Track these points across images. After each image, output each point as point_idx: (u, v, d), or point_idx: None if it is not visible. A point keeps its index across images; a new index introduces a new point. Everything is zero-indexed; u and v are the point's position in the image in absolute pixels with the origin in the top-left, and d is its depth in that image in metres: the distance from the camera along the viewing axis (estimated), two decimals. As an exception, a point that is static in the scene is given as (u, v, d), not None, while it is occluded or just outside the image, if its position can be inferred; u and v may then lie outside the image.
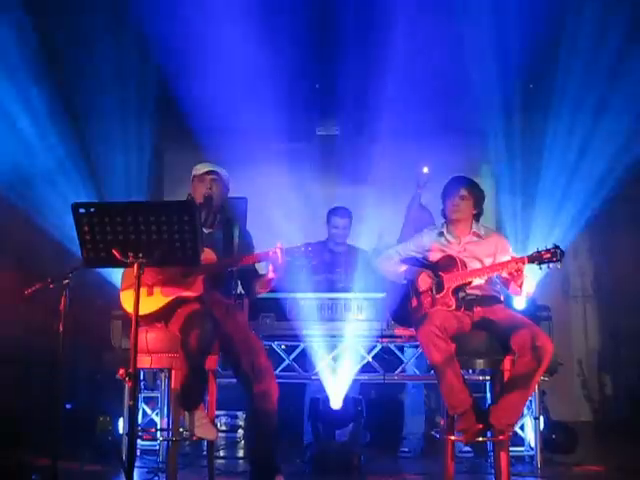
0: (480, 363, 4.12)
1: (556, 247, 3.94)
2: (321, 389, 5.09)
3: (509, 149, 7.08)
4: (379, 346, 5.23)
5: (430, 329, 3.91)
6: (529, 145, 7.10)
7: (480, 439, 4.01)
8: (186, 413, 3.90)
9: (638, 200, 7.09)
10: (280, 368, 5.19)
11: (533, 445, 5.11)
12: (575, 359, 7.59)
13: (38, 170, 6.09)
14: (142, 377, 5.48)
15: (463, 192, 4.39)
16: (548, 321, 5.38)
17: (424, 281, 4.27)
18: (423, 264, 4.40)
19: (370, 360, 5.23)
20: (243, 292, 4.44)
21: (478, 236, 4.42)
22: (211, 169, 4.33)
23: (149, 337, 3.96)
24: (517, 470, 4.86)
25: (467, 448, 5.37)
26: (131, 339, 3.25)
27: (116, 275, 4.61)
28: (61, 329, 3.74)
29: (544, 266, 3.96)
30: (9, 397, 5.47)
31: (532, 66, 6.65)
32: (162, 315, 4.01)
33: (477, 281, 4.25)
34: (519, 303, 5.15)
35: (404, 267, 4.43)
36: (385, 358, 5.35)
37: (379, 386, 5.72)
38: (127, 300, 3.95)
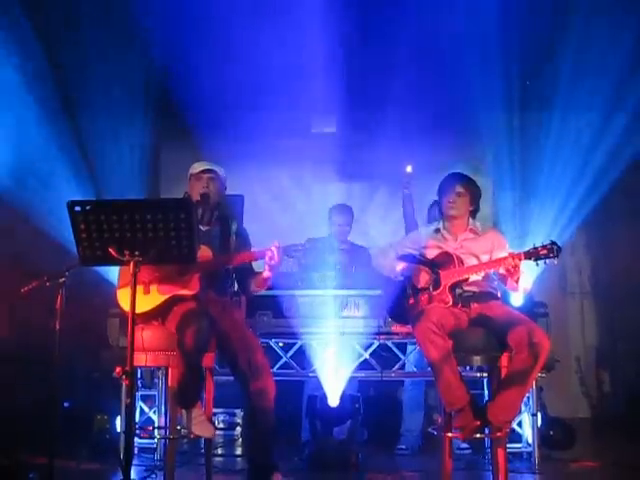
0: (477, 360, 4.11)
1: (553, 243, 3.94)
2: (319, 387, 5.08)
3: (506, 146, 7.08)
4: (376, 343, 5.22)
5: (427, 326, 3.90)
6: (526, 141, 7.11)
7: (478, 436, 4.02)
8: (183, 411, 3.91)
9: (635, 196, 7.09)
10: (277, 366, 5.19)
11: (531, 441, 5.11)
12: (573, 355, 7.59)
13: (34, 168, 6.08)
14: (139, 375, 5.48)
15: (459, 189, 4.39)
16: (545, 317, 5.39)
17: (421, 278, 4.26)
18: (420, 261, 4.39)
19: (367, 357, 5.22)
20: (239, 290, 4.44)
21: (475, 233, 4.42)
22: (208, 167, 4.33)
23: (145, 335, 3.96)
24: (515, 466, 4.86)
25: (465, 445, 5.37)
26: (128, 337, 3.25)
27: (113, 273, 4.61)
28: (57, 327, 3.74)
29: (541, 262, 3.96)
30: (6, 396, 5.46)
31: (529, 63, 6.65)
32: (159, 313, 4.01)
33: (474, 278, 4.24)
34: (516, 299, 5.14)
35: (400, 264, 4.42)
36: (383, 355, 5.35)
37: (377, 383, 5.73)
38: (124, 298, 3.94)
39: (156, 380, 5.39)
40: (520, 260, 3.96)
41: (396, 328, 4.96)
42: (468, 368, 4.98)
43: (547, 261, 3.95)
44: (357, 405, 5.06)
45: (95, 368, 5.85)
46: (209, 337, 3.86)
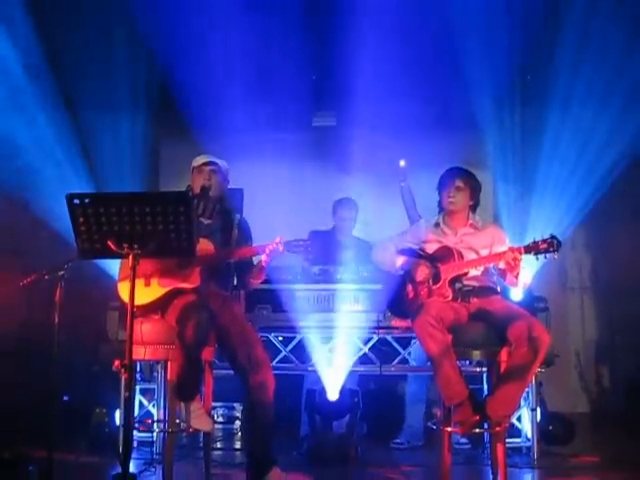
0: (477, 354, 4.11)
1: (553, 237, 3.93)
2: (318, 381, 5.08)
3: (507, 140, 7.06)
4: (376, 337, 5.22)
5: (426, 319, 3.90)
6: (527, 137, 7.10)
7: (477, 431, 4.01)
8: (182, 404, 3.91)
9: (636, 192, 7.08)
10: (277, 360, 5.19)
11: (530, 436, 5.10)
12: (572, 350, 7.58)
13: (34, 162, 6.07)
14: (139, 369, 5.47)
15: (459, 183, 4.39)
16: (545, 312, 5.38)
17: (421, 272, 4.26)
18: (419, 255, 4.38)
19: (367, 351, 5.22)
20: (238, 284, 4.43)
21: (474, 227, 4.42)
22: (210, 160, 4.33)
23: (144, 328, 3.97)
24: (514, 461, 4.85)
25: (464, 439, 5.37)
26: (127, 330, 3.25)
27: (113, 267, 4.61)
28: (56, 321, 3.74)
29: (541, 256, 3.95)
30: (5, 389, 5.46)
31: (530, 58, 6.64)
32: (159, 306, 4.02)
33: (474, 272, 4.24)
34: (516, 294, 5.15)
35: (400, 258, 4.41)
36: (382, 350, 5.34)
37: (378, 378, 5.72)
38: (124, 291, 3.94)
39: (155, 374, 5.39)
40: (520, 254, 3.96)
41: (396, 322, 4.95)
42: (467, 363, 5.00)
43: (547, 255, 3.94)
44: (356, 399, 5.06)
45: (94, 361, 5.86)
46: (209, 331, 3.85)
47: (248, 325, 4.13)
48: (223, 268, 4.24)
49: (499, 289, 4.40)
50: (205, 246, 4.08)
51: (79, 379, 6.01)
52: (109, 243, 3.28)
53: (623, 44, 5.96)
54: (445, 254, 4.27)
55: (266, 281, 4.42)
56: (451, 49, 6.11)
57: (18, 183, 5.90)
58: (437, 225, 4.46)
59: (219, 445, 5.67)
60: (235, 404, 6.16)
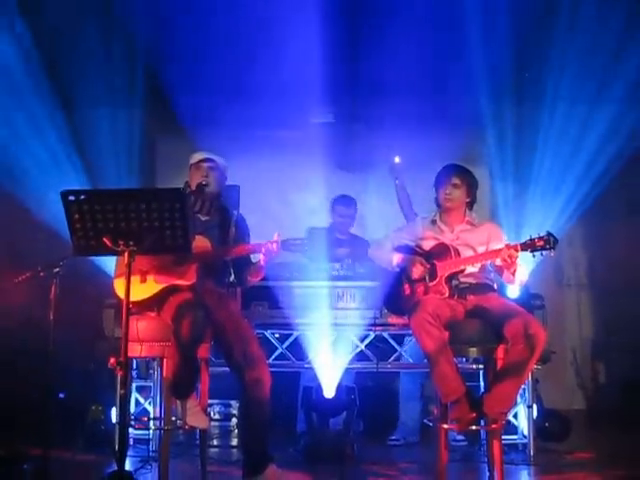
0: (473, 351, 4.11)
1: (549, 235, 3.92)
2: (315, 378, 5.08)
3: (503, 137, 7.06)
4: (372, 335, 5.21)
5: (423, 316, 3.89)
6: (523, 134, 7.09)
7: (473, 428, 4.01)
8: (178, 402, 3.90)
9: (632, 189, 7.09)
10: (273, 357, 5.18)
11: (526, 433, 5.11)
12: (568, 347, 7.59)
13: (29, 158, 6.06)
14: (135, 366, 5.47)
15: (455, 180, 4.39)
16: (542, 310, 5.37)
17: (417, 269, 4.26)
18: (416, 252, 4.38)
19: (363, 349, 5.21)
20: (235, 281, 4.42)
21: (471, 224, 4.42)
22: (207, 157, 4.33)
23: (140, 326, 3.96)
24: (510, 458, 4.86)
25: (461, 436, 5.37)
26: (122, 326, 3.24)
27: (109, 264, 4.59)
28: (52, 318, 3.74)
29: (537, 254, 3.94)
30: (1, 387, 5.45)
31: (527, 55, 6.63)
32: (154, 302, 4.00)
33: (470, 269, 4.24)
34: (513, 291, 5.15)
35: (397, 255, 4.41)
36: (379, 347, 5.34)
37: (375, 375, 5.72)
38: (120, 287, 3.91)
39: (151, 371, 5.38)
40: (516, 251, 3.95)
41: (392, 319, 4.95)
42: (464, 360, 4.99)
43: (543, 253, 3.93)
44: (353, 396, 5.05)
45: (91, 359, 5.84)
46: (205, 328, 3.85)
47: (244, 322, 4.13)
48: (220, 265, 4.23)
49: (496, 286, 4.39)
50: (202, 243, 4.07)
51: (75, 377, 5.99)
52: (105, 240, 3.27)
53: (619, 41, 5.95)
54: (442, 251, 4.26)
55: (263, 278, 4.40)
56: (448, 47, 6.10)
57: (13, 180, 5.88)
58: (434, 222, 4.46)
59: (215, 442, 5.66)
60: (231, 401, 6.14)
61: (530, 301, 5.30)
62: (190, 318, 3.72)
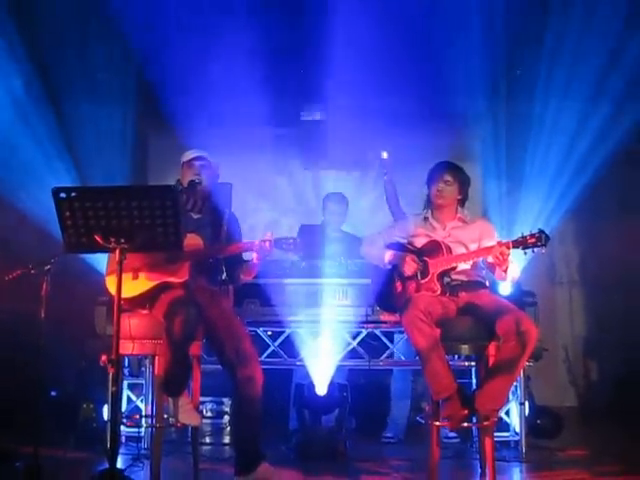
0: (465, 348, 4.12)
1: (541, 232, 3.93)
2: (307, 375, 5.07)
3: (495, 135, 7.07)
4: (364, 332, 5.21)
5: (414, 313, 3.89)
6: (515, 131, 7.10)
7: (465, 425, 4.02)
8: (170, 399, 3.89)
9: (624, 186, 7.10)
10: (265, 354, 5.18)
11: (518, 430, 5.12)
12: (560, 344, 7.61)
13: (19, 155, 6.04)
14: (127, 364, 5.46)
15: (447, 177, 4.39)
16: (533, 307, 5.37)
17: (409, 266, 4.25)
18: (408, 249, 4.38)
19: (355, 346, 5.21)
20: (227, 279, 4.41)
21: (463, 221, 4.42)
22: (199, 155, 4.32)
23: (132, 323, 3.94)
24: (502, 455, 4.87)
25: (453, 434, 5.38)
26: (114, 323, 3.23)
27: (101, 261, 4.58)
28: (43, 315, 3.72)
29: (529, 251, 3.95)
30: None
31: (518, 52, 6.64)
32: (146, 299, 3.99)
33: (462, 266, 4.24)
34: (504, 289, 5.16)
35: (388, 252, 4.41)
36: (371, 344, 5.34)
37: (367, 372, 5.72)
38: (112, 284, 3.89)
39: (143, 369, 5.37)
40: (508, 248, 3.95)
41: (385, 317, 4.95)
42: (456, 357, 5.00)
43: (535, 250, 3.94)
44: (345, 394, 5.05)
45: (83, 357, 5.83)
46: (197, 326, 3.84)
47: (236, 319, 4.12)
48: (212, 263, 4.22)
49: (488, 283, 4.40)
50: (194, 241, 4.06)
51: (68, 374, 5.98)
52: (96, 237, 3.26)
53: (611, 39, 5.97)
54: (433, 248, 4.27)
55: (255, 275, 4.40)
56: (439, 43, 6.10)
57: (4, 177, 5.85)
58: (426, 219, 4.46)
59: (208, 440, 5.66)
60: (224, 399, 6.14)
61: (522, 298, 5.31)
62: (182, 316, 3.71)
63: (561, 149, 6.58)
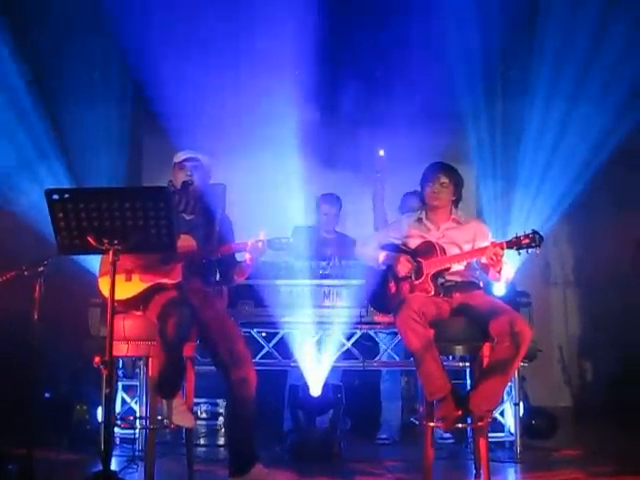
0: (459, 349, 4.12)
1: (535, 232, 3.93)
2: (301, 376, 5.07)
3: (489, 135, 7.07)
4: (359, 333, 5.21)
5: (408, 314, 3.89)
6: (509, 131, 7.10)
7: (459, 426, 4.02)
8: (164, 401, 3.89)
9: (618, 186, 7.10)
10: (260, 355, 5.17)
11: (513, 431, 5.12)
12: (555, 345, 7.61)
13: (13, 157, 6.03)
14: (121, 365, 5.45)
15: (443, 179, 4.38)
16: (528, 307, 5.39)
17: (403, 266, 4.25)
18: (402, 250, 4.38)
19: (350, 347, 5.21)
20: (221, 280, 4.41)
21: (457, 222, 4.42)
22: (191, 156, 4.31)
23: (126, 324, 3.95)
24: (497, 456, 4.87)
25: (448, 434, 5.38)
26: (107, 325, 3.23)
27: (94, 263, 4.57)
28: (36, 317, 3.72)
29: (523, 252, 3.96)
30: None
31: (512, 52, 6.64)
32: (140, 301, 3.99)
33: (456, 267, 4.25)
34: (499, 289, 5.16)
35: (382, 253, 4.41)
36: (366, 345, 5.34)
37: (362, 373, 5.72)
38: (105, 286, 3.89)
39: (137, 370, 5.36)
40: (502, 249, 3.96)
41: (379, 318, 4.95)
42: (450, 358, 4.99)
43: (529, 250, 3.94)
44: (339, 395, 5.05)
45: (78, 358, 5.82)
46: (190, 327, 3.83)
47: (230, 321, 4.11)
48: (205, 264, 4.21)
49: (482, 284, 4.40)
50: (187, 242, 4.05)
51: (63, 376, 5.97)
52: (89, 239, 3.26)
53: (604, 39, 5.98)
54: (427, 249, 4.27)
55: (249, 276, 4.40)
56: (433, 43, 6.11)
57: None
58: (419, 220, 4.45)
59: (202, 441, 5.65)
60: (219, 400, 6.13)
61: (516, 299, 5.32)
62: (175, 317, 3.71)
63: (556, 150, 6.59)
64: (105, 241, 3.25)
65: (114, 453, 4.59)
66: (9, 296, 4.34)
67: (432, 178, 4.39)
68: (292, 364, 5.16)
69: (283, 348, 5.23)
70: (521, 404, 5.15)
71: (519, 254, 3.99)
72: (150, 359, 3.96)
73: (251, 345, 4.65)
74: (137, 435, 4.98)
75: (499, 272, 4.09)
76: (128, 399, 5.47)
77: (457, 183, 4.44)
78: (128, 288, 3.95)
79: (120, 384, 5.42)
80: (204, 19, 5.73)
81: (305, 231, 5.78)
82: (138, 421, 4.99)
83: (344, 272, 5.18)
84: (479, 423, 3.92)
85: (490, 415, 3.97)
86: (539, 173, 6.67)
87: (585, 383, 7.56)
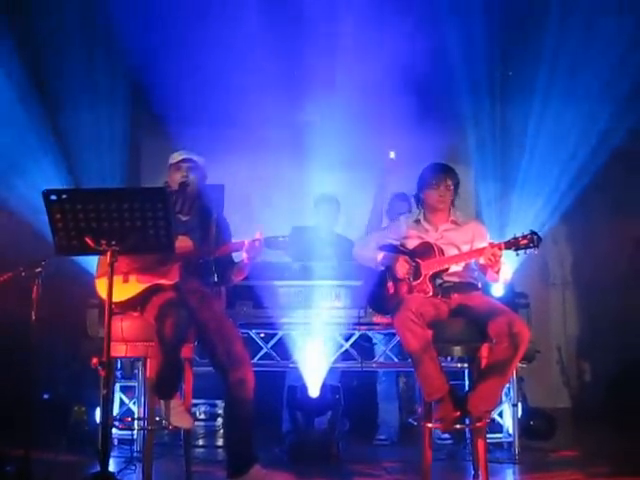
0: (457, 350, 4.12)
1: (533, 233, 3.93)
2: (300, 377, 5.07)
3: (488, 136, 7.07)
4: (357, 334, 5.21)
5: (406, 315, 3.89)
6: (508, 132, 7.11)
7: (457, 426, 4.02)
8: (162, 402, 3.88)
9: (617, 187, 7.11)
10: (258, 356, 5.16)
11: (511, 432, 5.11)
12: (554, 346, 7.62)
13: (11, 158, 6.02)
14: (119, 366, 5.44)
15: (449, 182, 4.35)
16: (526, 308, 5.39)
17: (401, 267, 4.24)
18: (400, 251, 4.37)
19: (348, 348, 5.21)
20: (218, 281, 4.40)
21: (455, 223, 4.41)
22: (186, 157, 4.30)
23: (124, 325, 3.94)
24: (495, 457, 4.87)
25: (446, 435, 5.38)
26: (105, 327, 3.23)
27: (92, 263, 4.57)
28: (34, 318, 3.71)
29: (521, 252, 3.96)
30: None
31: (511, 55, 6.65)
32: (137, 302, 3.98)
33: (454, 268, 4.24)
34: (497, 290, 5.16)
35: (381, 254, 4.40)
36: (364, 346, 5.34)
37: (361, 374, 5.72)
38: (102, 287, 3.90)
39: (136, 371, 5.36)
40: (500, 250, 3.96)
41: (377, 319, 4.94)
42: (449, 359, 4.99)
43: (527, 251, 3.94)
44: (337, 396, 5.05)
45: (76, 359, 5.81)
46: (188, 328, 3.83)
47: (228, 322, 4.10)
48: (202, 264, 4.21)
49: (480, 285, 4.40)
50: (184, 243, 4.04)
51: (60, 377, 5.96)
52: (87, 239, 3.25)
53: (603, 40, 5.98)
54: (426, 250, 4.26)
55: (247, 277, 4.39)
56: (432, 45, 6.11)
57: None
58: (417, 222, 4.44)
59: (201, 442, 5.66)
60: (217, 401, 6.13)
61: (515, 300, 5.32)
62: (173, 317, 3.71)
63: (554, 151, 6.60)
64: (103, 242, 3.25)
65: (112, 454, 4.59)
66: (7, 297, 4.34)
67: (438, 182, 4.35)
68: (290, 365, 5.16)
69: (281, 349, 5.23)
70: (519, 405, 5.14)
71: (517, 255, 3.99)
72: (148, 360, 3.95)
73: (249, 346, 4.65)
74: (135, 436, 4.98)
75: (497, 273, 4.09)
76: (126, 400, 5.47)
77: (457, 184, 4.43)
78: (125, 290, 3.95)
79: (118, 385, 5.42)
80: (203, 20, 5.72)
81: (304, 232, 5.78)
82: (136, 422, 4.99)
83: (342, 273, 5.17)
84: (477, 424, 3.91)
85: (488, 416, 3.96)
86: (537, 174, 6.68)
87: (584, 384, 7.56)
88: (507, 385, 4.74)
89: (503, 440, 5.24)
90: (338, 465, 4.78)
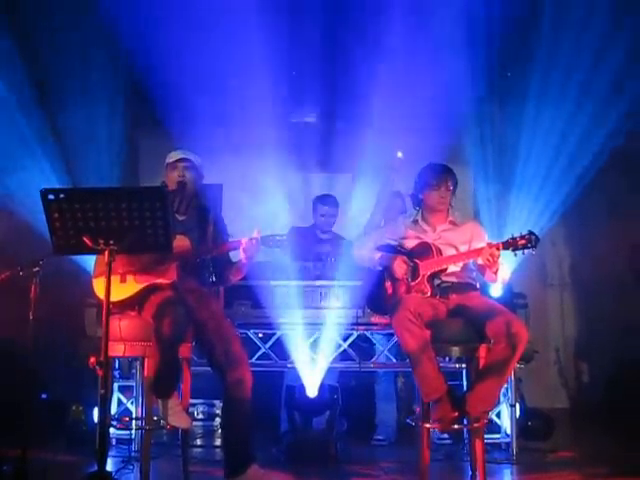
0: (456, 350, 4.12)
1: (531, 233, 3.94)
2: (298, 377, 5.06)
3: (486, 138, 7.08)
4: (355, 334, 5.21)
5: (404, 315, 3.89)
6: (506, 132, 7.11)
7: (456, 427, 4.02)
8: (159, 402, 3.88)
9: (614, 189, 7.11)
10: (256, 356, 5.16)
11: (509, 432, 5.11)
12: (552, 346, 7.63)
13: (9, 157, 6.02)
14: (117, 366, 5.44)
15: (449, 183, 4.35)
16: (525, 309, 5.40)
17: (399, 267, 4.24)
18: (398, 251, 4.37)
19: (346, 348, 5.21)
20: (216, 280, 4.40)
21: (453, 224, 4.41)
22: (183, 156, 4.30)
23: (122, 325, 3.94)
24: (493, 457, 4.88)
25: (444, 435, 5.38)
26: (102, 326, 3.22)
27: (90, 263, 4.57)
28: (31, 317, 3.71)
29: (519, 252, 3.97)
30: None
31: (509, 56, 6.65)
32: (135, 302, 3.98)
33: (452, 268, 4.24)
34: (495, 290, 5.16)
35: (379, 254, 4.40)
36: (362, 346, 5.34)
37: (359, 374, 5.72)
38: (100, 287, 3.90)
39: (134, 371, 5.35)
40: (498, 250, 3.96)
41: (375, 319, 4.95)
42: (447, 359, 4.99)
43: (525, 251, 3.95)
44: (336, 396, 5.05)
45: (75, 359, 5.80)
46: (186, 327, 3.82)
47: (226, 321, 4.10)
48: (199, 263, 4.21)
49: (478, 285, 4.40)
50: (181, 242, 4.04)
51: (58, 376, 5.95)
52: (85, 239, 3.25)
53: (601, 41, 5.98)
54: (424, 250, 4.26)
55: (245, 277, 4.39)
56: (430, 47, 6.10)
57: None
58: (416, 222, 4.44)
59: (199, 442, 5.65)
60: (215, 401, 6.12)
61: (513, 300, 5.33)
62: (171, 316, 3.70)
63: (552, 151, 6.60)
64: (101, 241, 3.24)
65: (110, 454, 4.59)
66: (4, 296, 4.34)
67: (439, 183, 4.33)
68: (289, 365, 5.16)
69: (279, 349, 5.22)
70: (517, 405, 5.13)
71: (515, 255, 4.00)
72: (146, 359, 3.95)
73: (247, 346, 4.64)
74: (133, 436, 4.98)
75: (495, 273, 4.09)
76: (124, 400, 5.47)
77: (456, 184, 4.43)
78: (123, 289, 3.94)
79: (116, 385, 5.42)
80: (202, 20, 5.71)
81: (302, 232, 5.79)
82: (134, 422, 4.98)
83: (340, 273, 5.17)
84: (475, 424, 3.90)
85: (486, 416, 3.96)
86: (535, 174, 6.68)
87: (581, 385, 7.57)
88: (505, 385, 4.74)
89: (501, 440, 5.24)
90: (336, 465, 4.77)
